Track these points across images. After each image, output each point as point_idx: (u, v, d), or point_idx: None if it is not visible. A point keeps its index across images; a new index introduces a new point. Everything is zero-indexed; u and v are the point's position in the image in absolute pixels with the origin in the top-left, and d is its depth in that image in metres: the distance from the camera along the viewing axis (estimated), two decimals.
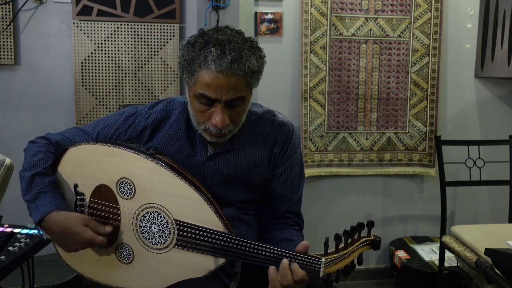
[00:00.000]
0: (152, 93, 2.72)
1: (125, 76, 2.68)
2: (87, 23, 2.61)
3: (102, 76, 2.66)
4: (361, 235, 1.21)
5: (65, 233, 1.27)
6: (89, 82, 2.65)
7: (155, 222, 1.30)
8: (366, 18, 2.83)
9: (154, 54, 2.69)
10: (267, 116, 1.46)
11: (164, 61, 2.71)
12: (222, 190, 1.42)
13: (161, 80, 2.72)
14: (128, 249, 1.34)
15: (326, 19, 2.79)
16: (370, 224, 1.20)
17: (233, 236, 1.23)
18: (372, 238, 1.22)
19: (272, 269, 1.18)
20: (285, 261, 1.16)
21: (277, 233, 1.44)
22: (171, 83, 2.73)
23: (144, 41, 2.68)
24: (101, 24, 2.62)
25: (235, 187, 1.43)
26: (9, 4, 2.53)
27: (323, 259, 1.13)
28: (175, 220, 1.28)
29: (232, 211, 1.42)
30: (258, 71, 1.30)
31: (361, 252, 1.22)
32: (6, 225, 1.62)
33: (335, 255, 1.15)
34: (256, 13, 2.75)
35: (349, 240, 1.18)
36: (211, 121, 1.29)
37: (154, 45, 2.69)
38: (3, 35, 2.54)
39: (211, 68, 1.23)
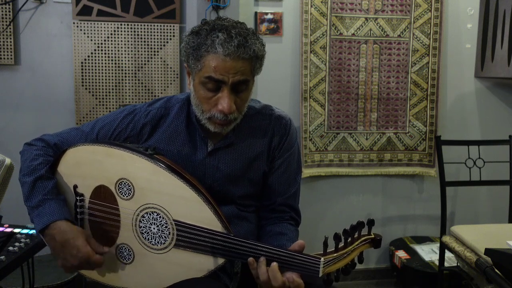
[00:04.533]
0: (152, 93, 2.72)
1: (125, 76, 2.68)
2: (87, 23, 2.61)
3: (102, 76, 2.66)
4: (361, 234, 1.21)
5: (66, 244, 1.26)
6: (89, 82, 2.65)
7: (154, 223, 1.30)
8: (366, 18, 2.83)
9: (154, 54, 2.69)
10: (265, 111, 1.48)
11: (164, 61, 2.71)
12: (223, 186, 1.42)
13: (161, 80, 2.72)
14: (128, 249, 1.34)
15: (326, 19, 2.79)
16: (370, 223, 1.20)
17: (231, 236, 1.23)
18: (373, 236, 1.22)
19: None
20: (274, 264, 1.16)
21: (271, 227, 1.44)
22: (171, 83, 2.73)
23: (144, 41, 2.68)
24: (101, 24, 2.62)
25: (236, 181, 1.43)
26: (9, 4, 2.53)
27: (322, 259, 1.13)
28: (174, 220, 1.28)
29: (233, 209, 1.43)
30: (262, 57, 1.33)
31: (362, 250, 1.21)
32: (6, 225, 1.61)
33: (334, 255, 1.15)
34: (256, 13, 2.75)
35: (349, 239, 1.18)
36: (217, 107, 1.30)
37: (154, 45, 2.69)
38: (3, 35, 2.54)
39: (218, 52, 1.25)
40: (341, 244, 1.17)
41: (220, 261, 1.26)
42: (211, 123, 1.34)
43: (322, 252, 1.16)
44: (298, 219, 1.52)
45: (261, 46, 1.32)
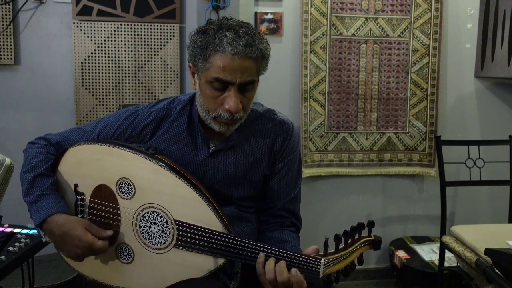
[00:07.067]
0: (152, 93, 2.72)
1: (125, 76, 2.68)
2: (87, 23, 2.61)
3: (102, 76, 2.66)
4: (361, 235, 1.21)
5: (65, 236, 1.26)
6: (89, 82, 2.65)
7: (155, 222, 1.30)
8: (366, 18, 2.83)
9: (154, 54, 2.69)
10: (267, 115, 1.48)
11: (164, 61, 2.71)
12: (224, 187, 1.42)
13: (161, 80, 2.72)
14: (128, 249, 1.34)
15: (326, 19, 2.79)
16: (371, 224, 1.20)
17: (232, 236, 1.23)
18: (373, 238, 1.22)
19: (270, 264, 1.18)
20: (282, 263, 1.16)
21: (273, 233, 1.44)
22: (171, 83, 2.73)
23: (144, 41, 2.68)
24: (101, 24, 2.62)
25: (237, 183, 1.43)
26: (9, 4, 2.53)
27: (322, 259, 1.13)
28: (175, 220, 1.28)
29: (233, 210, 1.43)
30: (267, 56, 1.34)
31: (361, 252, 1.21)
32: (6, 225, 1.61)
33: (334, 256, 1.15)
34: (256, 13, 2.75)
35: (349, 241, 1.18)
36: (224, 106, 1.30)
37: (154, 45, 2.69)
38: (3, 35, 2.54)
39: (227, 51, 1.25)
40: (342, 245, 1.17)
41: (221, 261, 1.26)
42: (217, 122, 1.33)
43: (322, 253, 1.16)
44: (299, 225, 1.52)
45: (267, 46, 1.33)
